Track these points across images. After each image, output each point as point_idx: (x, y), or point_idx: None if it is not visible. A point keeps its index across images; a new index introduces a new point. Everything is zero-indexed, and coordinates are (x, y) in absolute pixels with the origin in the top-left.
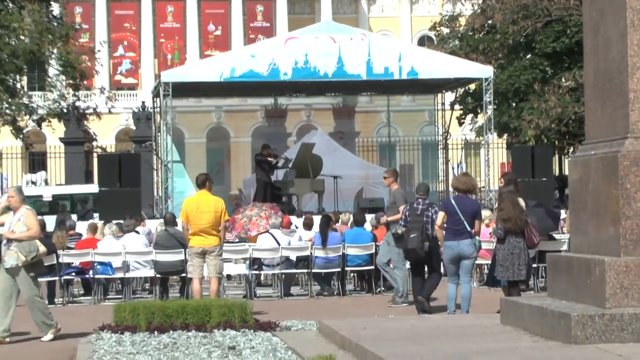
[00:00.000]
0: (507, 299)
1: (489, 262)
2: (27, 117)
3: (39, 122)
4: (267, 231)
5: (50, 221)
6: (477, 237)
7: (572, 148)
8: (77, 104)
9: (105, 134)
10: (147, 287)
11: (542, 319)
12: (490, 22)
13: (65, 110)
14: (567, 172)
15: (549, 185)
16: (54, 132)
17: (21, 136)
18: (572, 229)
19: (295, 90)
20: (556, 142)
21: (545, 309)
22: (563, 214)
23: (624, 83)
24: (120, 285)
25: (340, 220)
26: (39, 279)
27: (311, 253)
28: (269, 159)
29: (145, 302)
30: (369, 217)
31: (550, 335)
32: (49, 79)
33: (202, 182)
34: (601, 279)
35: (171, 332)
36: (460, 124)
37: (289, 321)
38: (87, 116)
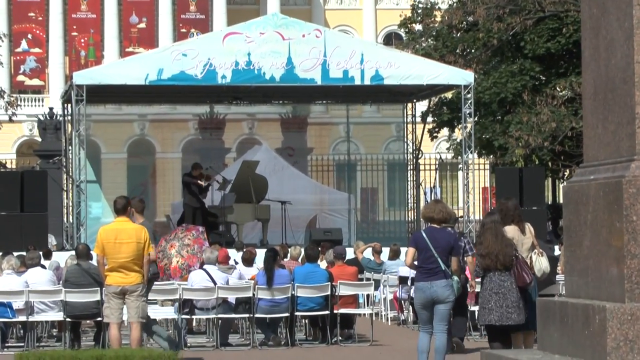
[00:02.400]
0: (489, 353)
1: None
2: None
3: None
4: (201, 267)
5: None
6: (454, 277)
7: (568, 171)
8: None
9: (5, 146)
10: (54, 334)
11: None
12: (471, 18)
13: None
14: (561, 200)
15: (540, 215)
16: None
17: None
18: (567, 268)
19: (236, 97)
20: (549, 164)
21: None
22: (557, 250)
23: (630, 95)
24: (22, 331)
25: (289, 255)
26: None
27: (253, 294)
28: (199, 181)
29: (52, 352)
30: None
31: None
32: None
33: (122, 207)
34: (601, 329)
35: None
36: (433, 137)
37: None
38: None
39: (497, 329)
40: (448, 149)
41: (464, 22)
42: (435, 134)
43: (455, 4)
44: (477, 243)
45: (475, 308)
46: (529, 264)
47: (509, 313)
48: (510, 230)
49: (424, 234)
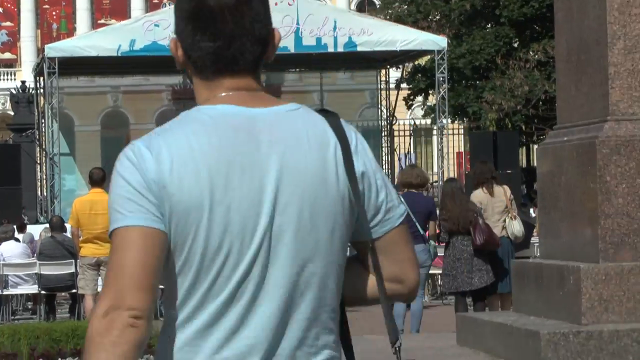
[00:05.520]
0: (464, 316)
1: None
2: None
3: None
4: None
5: None
6: (431, 242)
7: (541, 134)
8: None
9: None
10: (29, 307)
11: (506, 338)
12: None
13: None
14: (535, 163)
15: (514, 178)
16: None
17: None
18: (542, 230)
19: None
20: (523, 127)
21: (510, 326)
22: (532, 212)
23: (603, 56)
24: None
25: None
26: None
27: None
28: None
29: (27, 325)
30: None
31: (516, 357)
32: None
33: (99, 179)
34: (576, 290)
35: None
36: (409, 106)
37: None
38: None
39: (465, 294)
40: (423, 116)
41: None
42: (411, 102)
43: None
44: (440, 209)
45: (438, 271)
46: (489, 226)
47: (470, 279)
48: (477, 195)
49: (402, 199)
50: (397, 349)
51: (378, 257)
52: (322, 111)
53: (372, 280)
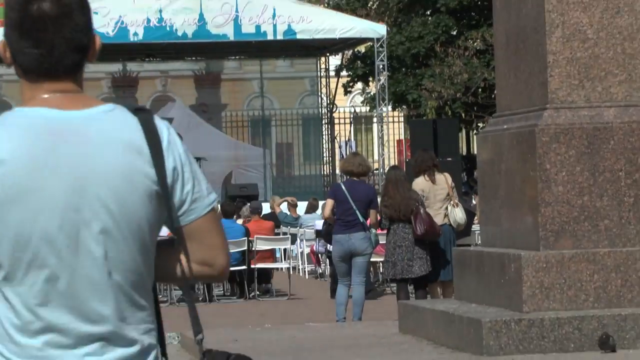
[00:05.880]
0: (406, 303)
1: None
2: None
3: None
4: None
5: None
6: (372, 230)
7: (481, 122)
8: None
9: None
10: None
11: (448, 326)
12: None
13: None
14: (475, 151)
15: (454, 166)
16: None
17: None
18: (483, 218)
19: (148, 54)
20: (462, 115)
21: (452, 314)
22: (473, 200)
23: (541, 43)
24: None
25: None
26: None
27: None
28: None
29: None
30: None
31: (458, 345)
32: None
33: None
34: (517, 278)
35: None
36: (347, 92)
37: None
38: None
39: (406, 281)
40: (363, 102)
41: None
42: (349, 89)
43: None
44: (382, 195)
45: (380, 259)
46: (430, 216)
47: (410, 267)
48: (419, 182)
49: (343, 187)
50: (199, 341)
51: (186, 243)
52: (137, 110)
53: (182, 261)
